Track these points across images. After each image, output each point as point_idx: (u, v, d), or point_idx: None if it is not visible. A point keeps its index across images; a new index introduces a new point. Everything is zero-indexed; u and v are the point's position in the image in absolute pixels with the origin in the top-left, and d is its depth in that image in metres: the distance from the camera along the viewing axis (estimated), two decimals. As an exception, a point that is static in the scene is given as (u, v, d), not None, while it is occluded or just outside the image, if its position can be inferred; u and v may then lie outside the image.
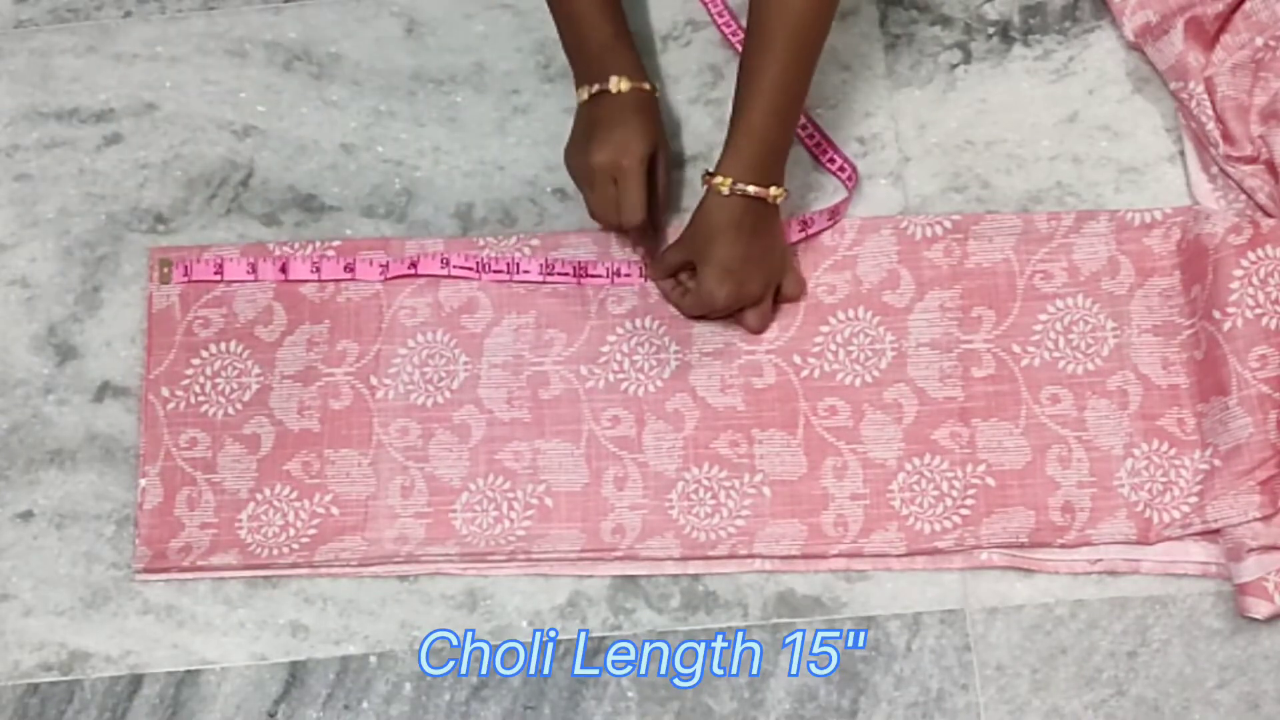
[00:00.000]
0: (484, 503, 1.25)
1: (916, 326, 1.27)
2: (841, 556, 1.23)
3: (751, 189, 1.17)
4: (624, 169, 1.22)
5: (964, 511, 1.23)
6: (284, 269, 1.31)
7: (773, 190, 1.18)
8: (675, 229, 1.28)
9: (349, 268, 1.30)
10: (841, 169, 1.31)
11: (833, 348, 1.27)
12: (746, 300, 1.24)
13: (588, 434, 1.27)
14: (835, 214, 1.30)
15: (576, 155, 1.26)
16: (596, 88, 1.24)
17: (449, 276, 1.31)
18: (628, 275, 1.29)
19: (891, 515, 1.23)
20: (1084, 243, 1.28)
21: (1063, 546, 1.22)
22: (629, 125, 1.23)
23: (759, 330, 1.27)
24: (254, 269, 1.31)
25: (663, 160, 1.27)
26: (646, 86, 1.25)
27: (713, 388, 1.27)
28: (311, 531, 1.26)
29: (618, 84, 1.23)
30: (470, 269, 1.30)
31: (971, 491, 1.23)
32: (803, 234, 1.30)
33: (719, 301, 1.22)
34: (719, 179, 1.17)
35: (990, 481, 1.23)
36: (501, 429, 1.27)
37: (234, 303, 1.32)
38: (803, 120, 1.33)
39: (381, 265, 1.30)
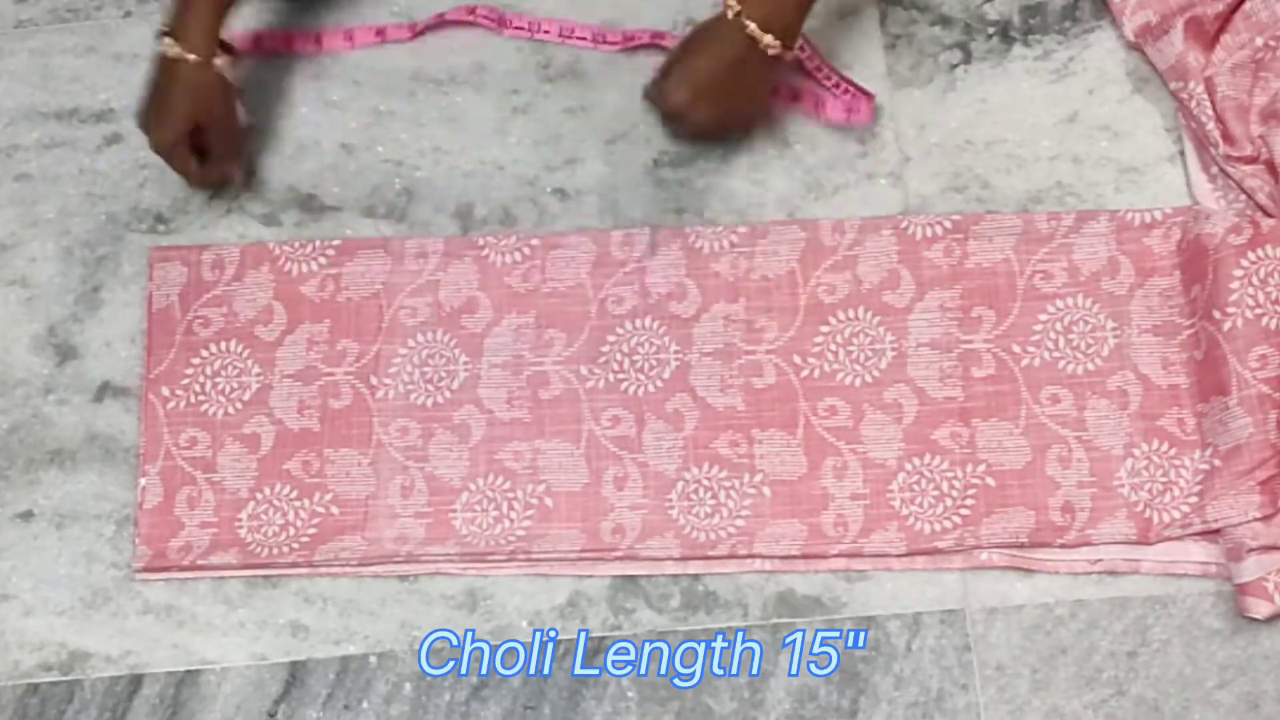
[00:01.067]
0: (484, 502, 1.26)
1: (916, 326, 1.27)
2: (841, 556, 1.23)
3: (751, 26, 1.21)
4: (161, 153, 1.29)
5: (964, 511, 1.23)
6: (318, 41, 1.39)
7: (768, 39, 1.21)
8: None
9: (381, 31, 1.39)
10: (847, 92, 1.33)
11: (833, 348, 1.27)
12: (699, 122, 1.28)
13: (587, 434, 1.27)
14: (851, 110, 1.32)
15: None
16: (159, 47, 1.26)
17: (472, 23, 1.37)
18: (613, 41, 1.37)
19: (891, 515, 1.23)
20: (1084, 243, 1.28)
21: (1063, 546, 1.22)
22: (162, 104, 1.27)
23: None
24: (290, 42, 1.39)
25: (220, 118, 1.29)
26: (191, 58, 1.25)
27: (712, 388, 1.27)
28: (311, 531, 1.26)
29: (167, 48, 1.25)
30: (490, 20, 1.37)
31: (971, 491, 1.23)
32: (817, 110, 1.33)
33: (670, 102, 1.26)
34: (732, 2, 1.21)
35: (990, 481, 1.23)
36: (501, 429, 1.27)
37: (234, 302, 1.32)
38: (818, 63, 1.33)
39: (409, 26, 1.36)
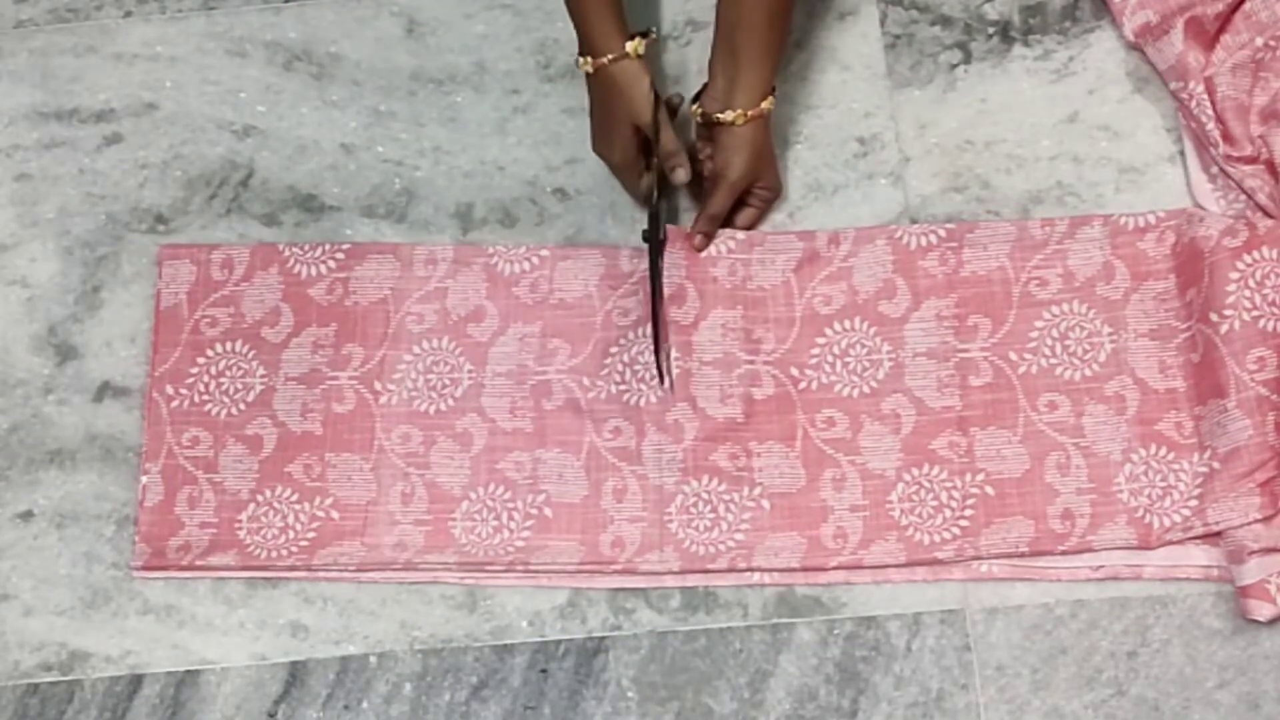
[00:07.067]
0: (484, 512, 1.26)
1: (913, 336, 1.27)
2: (841, 568, 1.23)
3: (765, 105, 1.23)
4: (615, 167, 1.29)
5: (963, 522, 1.23)
6: None
7: (765, 105, 1.24)
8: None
9: None
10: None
11: (830, 359, 1.27)
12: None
13: (589, 445, 1.27)
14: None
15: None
16: (580, 63, 1.25)
17: None
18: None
19: (891, 526, 1.23)
20: (1078, 248, 1.28)
21: (1063, 554, 1.22)
22: (607, 113, 1.26)
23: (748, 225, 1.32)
24: None
25: (661, 108, 1.25)
26: (613, 57, 1.22)
27: (712, 398, 1.27)
28: (311, 535, 1.26)
29: (584, 64, 1.24)
30: None
31: (971, 501, 1.23)
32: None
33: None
34: (732, 113, 1.23)
35: (989, 490, 1.23)
36: (503, 438, 1.27)
37: (241, 302, 1.32)
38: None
39: None
